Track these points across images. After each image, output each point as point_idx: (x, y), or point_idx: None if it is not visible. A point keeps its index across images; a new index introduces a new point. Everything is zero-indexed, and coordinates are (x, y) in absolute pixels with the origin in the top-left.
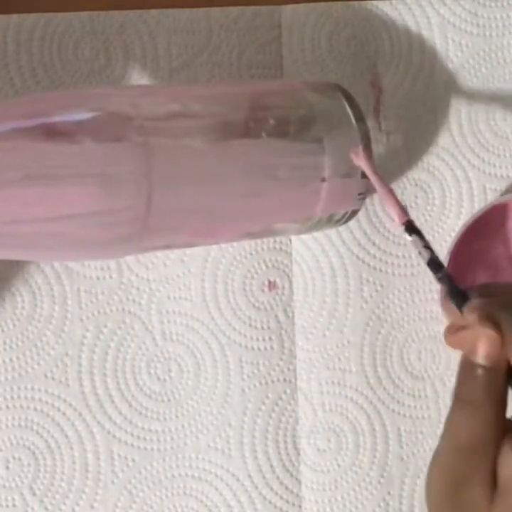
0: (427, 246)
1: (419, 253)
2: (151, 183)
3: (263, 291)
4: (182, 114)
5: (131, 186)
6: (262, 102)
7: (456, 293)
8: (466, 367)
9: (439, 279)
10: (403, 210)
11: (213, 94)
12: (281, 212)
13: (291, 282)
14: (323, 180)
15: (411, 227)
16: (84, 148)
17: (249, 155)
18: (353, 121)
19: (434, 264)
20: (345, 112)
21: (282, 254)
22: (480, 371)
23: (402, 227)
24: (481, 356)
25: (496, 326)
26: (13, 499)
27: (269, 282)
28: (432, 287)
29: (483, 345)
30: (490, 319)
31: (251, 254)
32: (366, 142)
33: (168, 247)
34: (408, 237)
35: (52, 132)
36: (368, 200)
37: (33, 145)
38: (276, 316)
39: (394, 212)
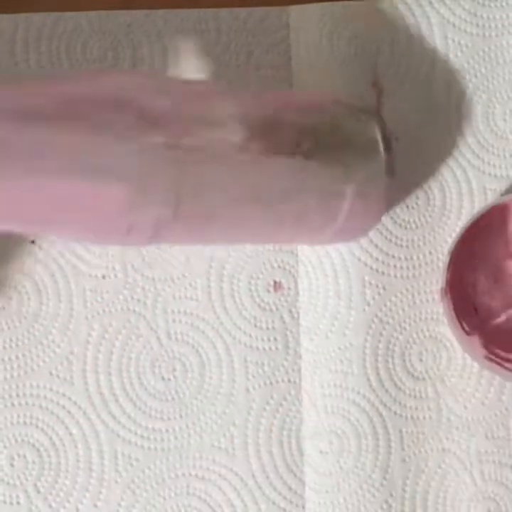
0: None
1: None
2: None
3: (269, 291)
4: (216, 123)
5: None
6: (296, 120)
7: None
8: None
9: None
10: None
11: (250, 105)
12: (296, 233)
13: (296, 283)
14: (343, 206)
15: None
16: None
17: (280, 176)
18: (382, 151)
19: None
20: (376, 142)
21: (288, 254)
22: None
23: None
24: None
25: None
26: (18, 496)
27: (275, 283)
28: (434, 289)
29: None
30: None
31: (257, 254)
32: (389, 173)
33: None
34: None
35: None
36: None
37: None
38: (281, 316)
39: None
